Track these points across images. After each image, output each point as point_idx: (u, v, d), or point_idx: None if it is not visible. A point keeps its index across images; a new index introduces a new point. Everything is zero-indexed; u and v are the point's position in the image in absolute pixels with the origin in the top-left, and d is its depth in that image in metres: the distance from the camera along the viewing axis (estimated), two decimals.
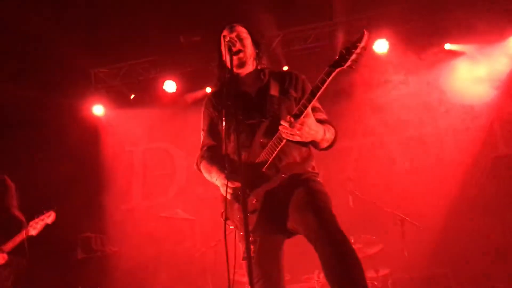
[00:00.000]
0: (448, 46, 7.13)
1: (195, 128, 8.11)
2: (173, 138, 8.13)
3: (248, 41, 3.06)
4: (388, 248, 5.43)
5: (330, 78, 2.59)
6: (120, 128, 8.24)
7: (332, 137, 2.92)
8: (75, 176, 7.60)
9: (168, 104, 7.96)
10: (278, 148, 2.78)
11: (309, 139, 2.77)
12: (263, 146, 2.84)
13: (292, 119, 2.61)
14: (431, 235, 6.12)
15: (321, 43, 7.31)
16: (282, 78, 3.11)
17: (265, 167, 2.82)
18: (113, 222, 7.67)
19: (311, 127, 2.68)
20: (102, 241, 7.46)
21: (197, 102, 7.85)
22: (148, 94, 8.08)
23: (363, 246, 5.27)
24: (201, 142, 3.26)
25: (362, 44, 2.54)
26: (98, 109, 8.06)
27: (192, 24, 7.04)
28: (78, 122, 7.87)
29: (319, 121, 2.83)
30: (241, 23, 3.11)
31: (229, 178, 2.72)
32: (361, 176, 6.68)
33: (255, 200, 2.81)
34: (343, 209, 5.33)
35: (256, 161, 2.85)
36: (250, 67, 3.12)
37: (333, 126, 2.95)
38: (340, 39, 6.99)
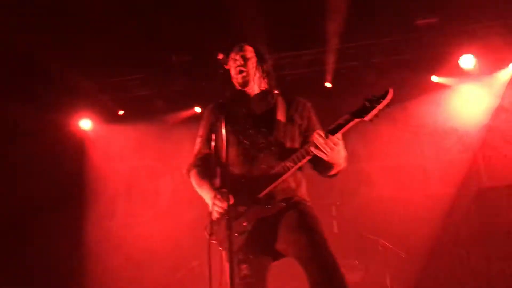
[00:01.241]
0: (435, 79, 7.27)
1: (182, 147, 8.16)
2: (160, 156, 8.10)
3: (252, 62, 3.06)
4: (370, 275, 5.42)
5: (348, 126, 2.62)
6: (107, 143, 8.20)
7: (344, 164, 2.90)
8: (59, 190, 7.50)
9: (156, 121, 7.96)
10: (298, 165, 2.74)
11: (332, 161, 2.73)
12: (263, 170, 2.82)
13: (328, 134, 2.61)
14: (414, 264, 6.13)
15: (313, 69, 7.39)
16: (288, 103, 3.10)
17: (264, 191, 2.79)
18: (96, 239, 7.57)
19: (339, 151, 2.69)
20: None
21: (184, 121, 7.88)
22: (136, 111, 8.06)
23: (345, 272, 5.23)
24: (196, 148, 3.23)
25: (386, 102, 2.61)
26: (85, 124, 8.02)
27: (183, 43, 7.08)
28: (66, 136, 7.81)
29: None
30: (249, 42, 3.12)
31: (220, 194, 2.73)
32: (345, 202, 6.69)
33: (246, 223, 2.79)
34: (327, 234, 5.33)
35: (254, 184, 2.82)
36: (255, 87, 3.11)
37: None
38: (331, 65, 7.07)
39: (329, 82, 7.28)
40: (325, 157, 2.65)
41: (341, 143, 2.68)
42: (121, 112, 8.16)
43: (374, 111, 2.58)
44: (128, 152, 8.23)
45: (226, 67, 2.88)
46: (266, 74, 3.13)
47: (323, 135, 2.61)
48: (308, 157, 2.74)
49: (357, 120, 2.61)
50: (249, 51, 3.08)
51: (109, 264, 7.30)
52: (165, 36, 6.82)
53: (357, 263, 5.30)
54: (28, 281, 6.85)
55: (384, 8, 6.26)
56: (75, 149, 7.98)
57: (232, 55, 3.07)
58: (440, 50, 7.02)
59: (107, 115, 8.14)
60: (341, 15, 6.27)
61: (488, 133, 7.11)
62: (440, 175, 7.17)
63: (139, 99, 7.95)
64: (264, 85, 3.14)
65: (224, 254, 2.84)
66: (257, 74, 3.09)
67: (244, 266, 2.70)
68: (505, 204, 6.52)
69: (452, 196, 6.88)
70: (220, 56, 2.79)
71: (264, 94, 3.12)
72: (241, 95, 3.09)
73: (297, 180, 2.96)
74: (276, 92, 3.17)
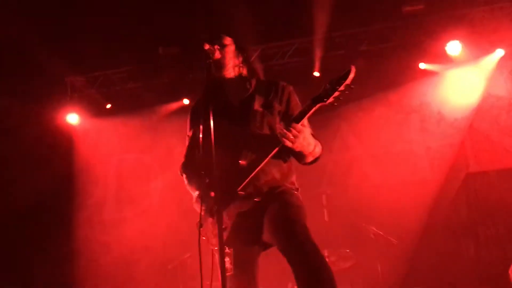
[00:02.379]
0: (422, 66, 7.30)
1: (171, 140, 8.15)
2: (148, 149, 8.07)
3: (230, 48, 2.96)
4: (362, 262, 5.47)
5: (310, 112, 2.55)
6: (95, 137, 8.14)
7: (320, 152, 2.85)
8: (47, 185, 7.44)
9: (144, 114, 7.91)
10: (269, 156, 2.69)
11: (299, 149, 2.66)
12: (242, 164, 2.77)
13: (292, 123, 2.56)
14: (405, 251, 6.20)
15: (300, 59, 7.38)
16: (267, 88, 2.99)
17: (241, 186, 2.74)
18: (85, 234, 7.53)
19: (305, 138, 2.62)
20: None
21: (173, 114, 7.84)
22: (124, 104, 8.00)
23: (337, 260, 5.29)
24: (185, 147, 3.21)
25: (347, 81, 2.47)
26: (73, 118, 7.95)
27: (170, 35, 7.04)
28: (53, 131, 7.73)
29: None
30: (227, 32, 3.02)
31: (203, 192, 2.72)
32: (336, 191, 6.72)
33: (227, 218, 2.76)
34: (318, 223, 5.37)
35: (233, 177, 2.77)
36: (231, 72, 3.00)
37: (320, 142, 2.88)
38: (318, 54, 7.07)
39: (317, 71, 7.28)
40: (291, 146, 2.60)
41: (306, 130, 2.62)
42: (108, 106, 8.09)
43: (336, 93, 2.48)
44: (117, 145, 8.17)
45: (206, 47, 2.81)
46: (245, 62, 3.03)
47: (286, 125, 2.57)
48: (276, 148, 2.67)
49: (319, 105, 2.53)
50: (227, 40, 2.98)
51: (100, 260, 7.27)
52: (151, 28, 6.77)
53: (348, 251, 5.33)
54: (15, 279, 6.83)
55: None
56: (63, 144, 7.90)
57: (210, 43, 2.91)
58: (427, 37, 7.04)
59: (95, 109, 8.06)
60: (328, 4, 6.26)
61: (475, 118, 7.17)
62: (428, 161, 7.23)
63: (127, 92, 7.89)
64: (243, 74, 3.04)
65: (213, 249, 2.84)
66: (236, 62, 2.99)
67: (226, 259, 2.70)
68: (493, 188, 6.61)
69: (441, 181, 6.95)
70: (206, 47, 2.75)
71: (241, 81, 3.02)
72: (219, 86, 3.00)
73: (282, 171, 2.90)
74: (254, 80, 3.05)
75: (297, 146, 2.62)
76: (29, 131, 7.44)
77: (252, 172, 2.72)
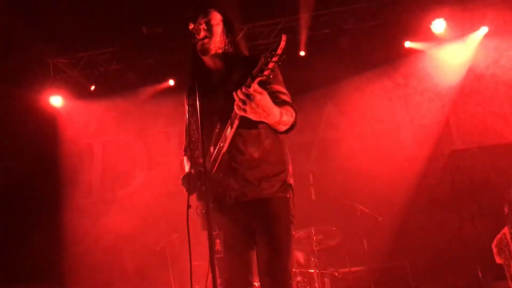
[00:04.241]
0: (407, 44, 7.31)
1: (156, 121, 8.08)
2: (134, 131, 8.03)
3: (217, 28, 2.85)
4: (348, 240, 5.55)
5: (252, 88, 2.38)
6: (79, 119, 8.06)
7: (291, 120, 2.66)
8: (31, 168, 7.37)
9: (129, 96, 7.84)
10: (233, 129, 2.57)
11: (256, 118, 2.48)
12: (215, 145, 2.72)
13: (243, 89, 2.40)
14: (390, 227, 6.30)
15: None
16: (245, 65, 2.76)
17: (215, 167, 2.70)
18: (71, 216, 7.50)
19: (262, 105, 2.41)
20: None
21: (158, 95, 7.79)
22: (108, 86, 7.91)
23: (324, 238, 5.36)
24: (185, 133, 3.08)
25: (279, 51, 2.32)
26: (56, 100, 7.84)
27: (155, 15, 6.93)
28: (35, 113, 7.63)
29: (278, 103, 2.61)
30: (216, 9, 2.91)
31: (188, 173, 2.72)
32: (322, 169, 6.77)
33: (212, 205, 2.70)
34: (305, 201, 5.42)
35: (212, 157, 2.74)
36: (217, 56, 2.87)
37: (293, 108, 2.71)
38: (304, 33, 7.04)
39: (303, 51, 7.26)
40: (244, 113, 2.44)
41: (263, 97, 2.39)
42: (92, 88, 8.00)
43: (270, 65, 2.33)
44: (102, 128, 8.11)
45: (198, 37, 2.73)
46: (232, 44, 2.90)
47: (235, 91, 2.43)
48: (236, 121, 2.55)
49: (257, 80, 2.37)
50: (215, 18, 2.86)
51: (86, 244, 7.26)
52: (135, 8, 6.66)
53: (334, 229, 5.40)
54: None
55: None
56: (46, 127, 7.80)
57: (198, 20, 2.84)
58: (413, 16, 7.04)
59: (79, 91, 7.96)
60: None
61: (460, 96, 7.24)
62: (414, 139, 7.31)
63: (111, 74, 7.79)
64: (229, 52, 2.90)
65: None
66: (222, 44, 2.87)
67: (216, 241, 2.70)
68: (477, 165, 6.71)
69: (426, 158, 7.04)
70: (191, 26, 2.65)
71: (224, 62, 2.89)
72: (204, 68, 2.92)
73: (262, 149, 2.76)
74: (233, 53, 2.91)
75: (251, 114, 2.44)
76: (12, 113, 7.33)
77: (221, 151, 2.65)
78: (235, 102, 2.43)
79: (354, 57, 7.15)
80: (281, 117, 2.56)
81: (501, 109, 7.13)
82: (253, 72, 2.39)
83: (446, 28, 6.96)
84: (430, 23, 6.98)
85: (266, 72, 2.35)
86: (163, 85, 7.79)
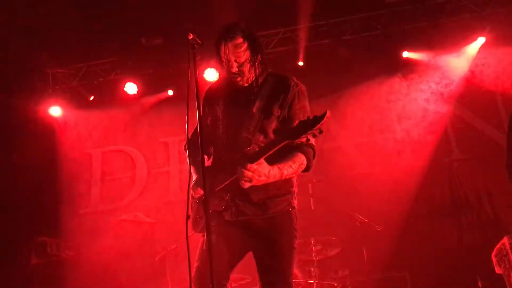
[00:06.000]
0: (405, 54, 7.35)
1: (155, 131, 8.08)
2: (133, 141, 8.03)
3: (247, 65, 2.81)
4: (347, 250, 5.53)
5: (274, 150, 2.45)
6: (78, 130, 8.06)
7: (301, 167, 2.77)
8: (31, 179, 7.35)
9: (128, 106, 7.86)
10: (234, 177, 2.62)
11: (260, 183, 2.58)
12: (231, 167, 2.70)
13: (247, 165, 2.47)
14: (389, 237, 6.28)
15: (284, 48, 7.36)
16: (273, 88, 2.83)
17: (219, 187, 2.76)
18: (71, 227, 7.47)
19: (263, 175, 2.52)
20: (58, 245, 7.25)
21: (157, 105, 7.80)
22: (107, 96, 7.93)
23: (323, 248, 5.35)
24: (194, 127, 3.05)
25: (319, 126, 2.34)
26: (55, 111, 7.84)
27: (154, 26, 6.96)
28: (34, 124, 7.63)
29: (291, 149, 2.68)
30: (238, 30, 2.82)
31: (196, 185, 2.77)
32: (322, 180, 6.78)
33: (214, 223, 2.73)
34: (305, 211, 5.40)
35: (220, 175, 2.77)
36: (245, 78, 2.88)
37: (307, 152, 2.79)
38: (303, 44, 7.08)
39: (301, 61, 7.29)
40: (249, 185, 2.54)
41: (262, 168, 2.50)
42: (91, 98, 8.00)
43: (307, 135, 2.38)
44: (101, 138, 8.11)
45: (222, 57, 2.78)
46: (259, 64, 2.87)
47: (242, 164, 2.49)
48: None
49: (285, 142, 2.42)
50: (238, 46, 2.77)
51: (85, 254, 7.22)
52: (135, 18, 6.69)
53: (334, 239, 5.39)
54: None
55: None
56: (46, 137, 7.80)
57: (223, 49, 2.78)
58: (411, 26, 7.09)
59: (78, 101, 7.97)
60: None
61: (458, 105, 7.26)
62: (412, 149, 7.31)
63: (110, 84, 7.81)
64: (256, 70, 2.88)
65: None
66: (252, 75, 2.87)
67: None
68: (476, 175, 6.72)
69: (425, 169, 7.03)
70: (190, 36, 2.63)
71: (251, 79, 2.90)
72: (229, 82, 2.93)
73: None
74: (263, 77, 2.92)
75: (257, 183, 2.55)
76: (11, 124, 7.33)
77: (228, 180, 2.69)
78: (240, 177, 2.51)
79: (352, 67, 7.18)
80: (282, 175, 2.64)
81: (499, 119, 7.14)
82: (282, 135, 2.45)
83: (443, 39, 6.99)
84: (428, 34, 7.02)
85: (301, 139, 2.41)
86: (162, 95, 7.82)
